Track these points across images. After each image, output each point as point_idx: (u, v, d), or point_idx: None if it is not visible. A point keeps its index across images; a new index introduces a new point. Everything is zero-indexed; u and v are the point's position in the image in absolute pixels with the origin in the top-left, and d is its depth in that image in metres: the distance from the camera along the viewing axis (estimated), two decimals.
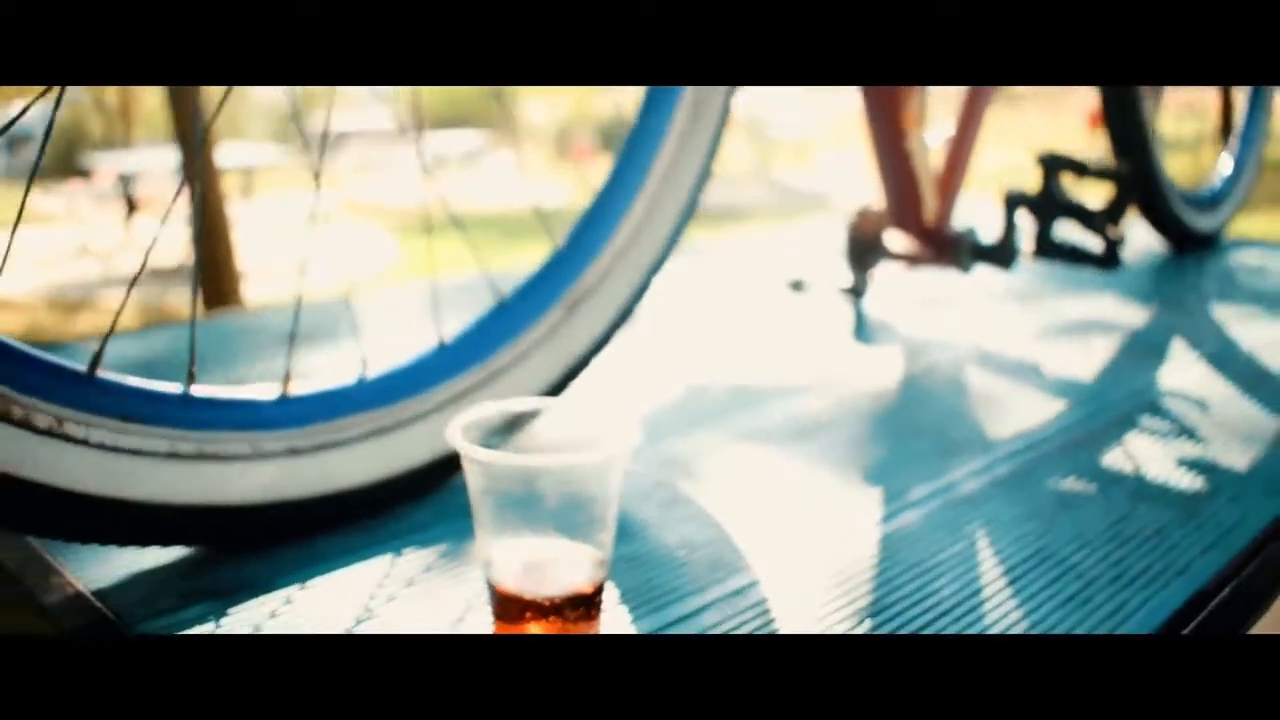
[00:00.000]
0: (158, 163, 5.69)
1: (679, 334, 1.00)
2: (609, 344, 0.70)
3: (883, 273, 1.07)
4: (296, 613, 0.49)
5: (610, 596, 0.51)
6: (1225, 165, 1.54)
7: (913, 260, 1.00)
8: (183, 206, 3.64)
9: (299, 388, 0.56)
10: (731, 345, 0.96)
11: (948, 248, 0.96)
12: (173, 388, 0.51)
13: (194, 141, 2.78)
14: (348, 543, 0.56)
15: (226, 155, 5.34)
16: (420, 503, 0.60)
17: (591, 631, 0.46)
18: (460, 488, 0.61)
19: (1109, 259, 0.94)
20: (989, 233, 1.00)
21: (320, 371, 0.85)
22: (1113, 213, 0.93)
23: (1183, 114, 1.43)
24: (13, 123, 0.44)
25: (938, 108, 1.01)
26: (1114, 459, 0.69)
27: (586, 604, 0.46)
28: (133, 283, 0.49)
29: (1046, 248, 0.96)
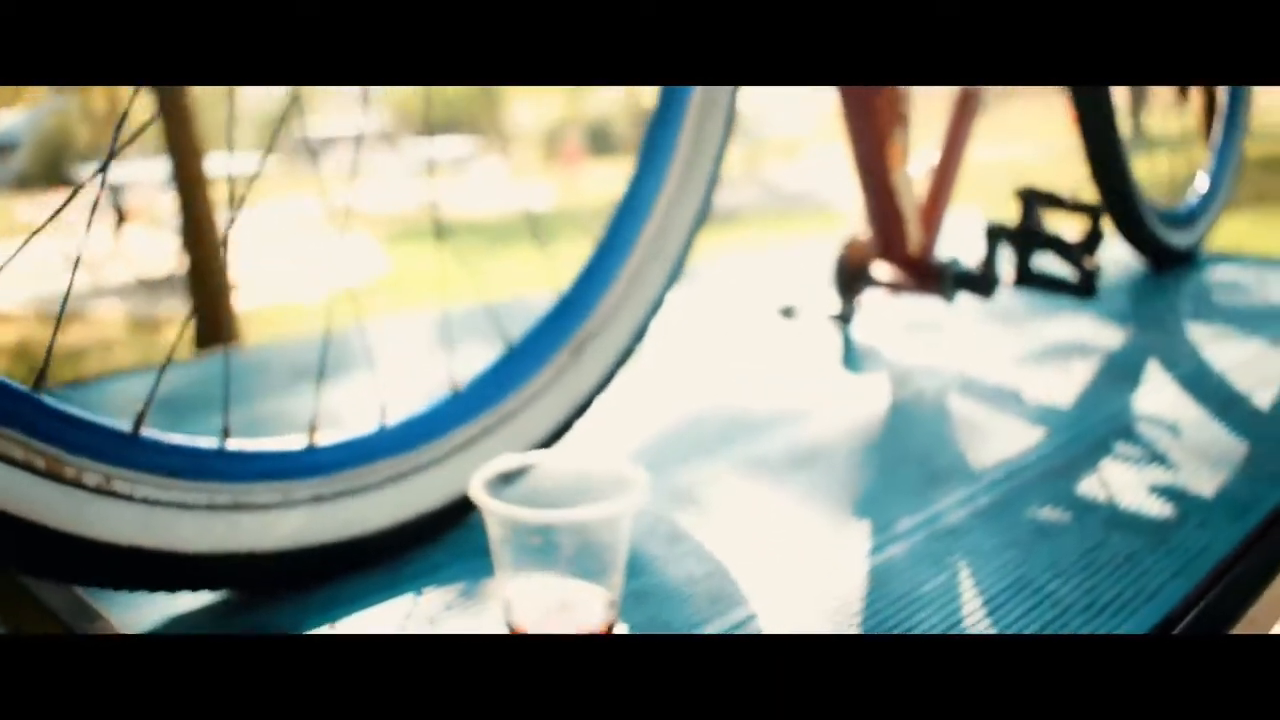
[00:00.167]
0: (147, 173, 5.71)
1: (674, 362, 1.03)
2: (612, 383, 0.74)
3: (869, 299, 1.11)
4: None
5: (620, 630, 0.55)
6: (1201, 183, 1.59)
7: (898, 289, 1.04)
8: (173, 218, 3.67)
9: (324, 438, 0.60)
10: (725, 374, 1.00)
11: (931, 277, 1.01)
12: (209, 442, 0.55)
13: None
14: (371, 584, 0.60)
15: (214, 164, 5.36)
16: (437, 543, 0.64)
17: None
18: (473, 527, 0.65)
19: (1085, 288, 0.98)
20: (970, 261, 1.04)
21: (336, 410, 0.88)
22: (1088, 245, 0.98)
23: (1169, 111, 1.46)
24: None
25: (922, 135, 1.05)
26: (1089, 487, 0.73)
27: None
28: (162, 372, 0.52)
29: (1026, 277, 1.01)
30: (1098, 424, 0.86)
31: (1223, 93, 1.64)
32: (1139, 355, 1.05)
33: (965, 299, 1.04)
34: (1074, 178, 1.30)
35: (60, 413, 0.49)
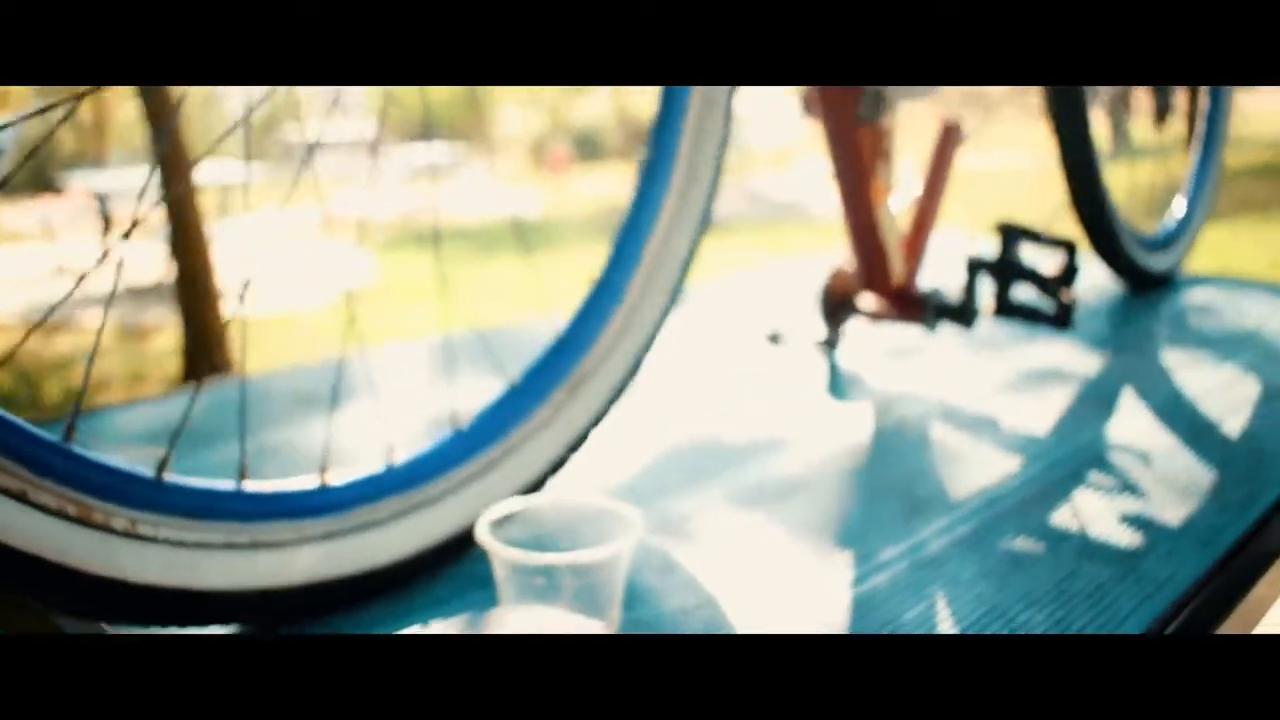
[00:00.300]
0: (133, 181, 5.71)
1: (665, 390, 1.07)
2: (606, 419, 0.77)
3: (854, 326, 1.14)
4: None
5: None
6: (1179, 206, 1.63)
7: (882, 317, 1.08)
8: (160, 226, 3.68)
9: (335, 477, 0.63)
10: (714, 402, 1.03)
11: (914, 307, 1.04)
12: (227, 485, 0.58)
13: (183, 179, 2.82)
14: (378, 615, 0.63)
15: (203, 172, 5.36)
16: (441, 575, 0.67)
17: None
18: (477, 559, 0.68)
19: (1061, 320, 1.02)
20: (952, 291, 1.08)
21: (340, 441, 0.91)
22: (1065, 278, 1.02)
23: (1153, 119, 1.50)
24: None
25: (906, 160, 1.09)
26: (1062, 517, 0.77)
27: None
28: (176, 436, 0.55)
29: (1005, 308, 1.05)
30: (1073, 452, 0.89)
31: (1202, 109, 1.67)
32: (1114, 382, 1.08)
33: (947, 327, 1.08)
34: (1058, 192, 1.34)
35: (90, 461, 0.52)
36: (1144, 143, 1.54)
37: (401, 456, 0.66)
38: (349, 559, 0.61)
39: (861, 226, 1.01)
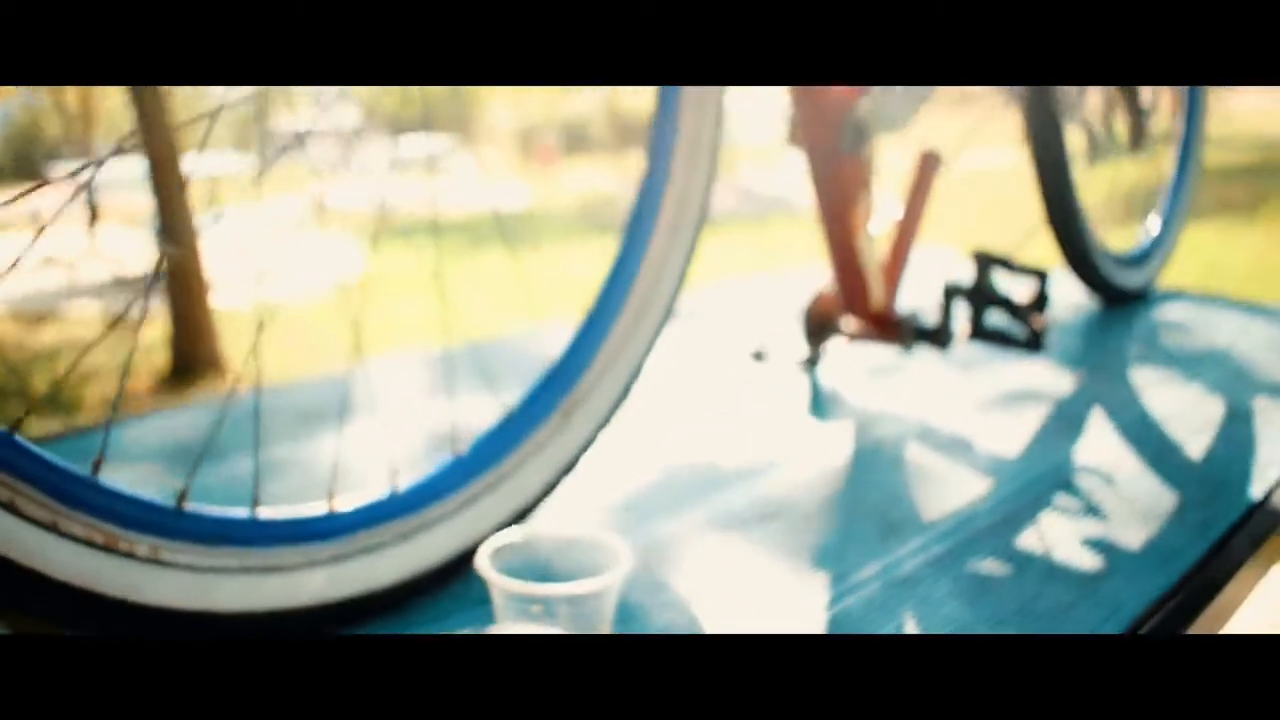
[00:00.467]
0: (121, 169, 5.69)
1: (653, 410, 1.10)
2: (595, 444, 0.81)
3: (835, 346, 1.18)
4: None
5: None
6: (1153, 224, 1.67)
7: (862, 338, 1.12)
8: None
9: (341, 503, 0.66)
10: (699, 422, 1.07)
11: (892, 330, 1.09)
12: (242, 512, 0.61)
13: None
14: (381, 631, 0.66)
15: (191, 164, 5.35)
16: (440, 593, 0.71)
17: None
18: (474, 577, 0.72)
19: (1033, 345, 1.07)
20: (930, 314, 1.12)
21: (342, 459, 0.95)
22: (1037, 305, 1.07)
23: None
24: None
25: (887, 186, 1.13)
26: (1029, 539, 0.81)
27: None
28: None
29: (979, 332, 1.09)
30: (1042, 474, 0.93)
31: (1179, 125, 1.71)
32: (1084, 403, 1.13)
33: (924, 348, 1.12)
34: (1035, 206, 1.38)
35: (115, 493, 0.55)
36: (1120, 159, 1.58)
37: (403, 481, 0.70)
38: (354, 581, 0.65)
39: (843, 252, 1.05)
